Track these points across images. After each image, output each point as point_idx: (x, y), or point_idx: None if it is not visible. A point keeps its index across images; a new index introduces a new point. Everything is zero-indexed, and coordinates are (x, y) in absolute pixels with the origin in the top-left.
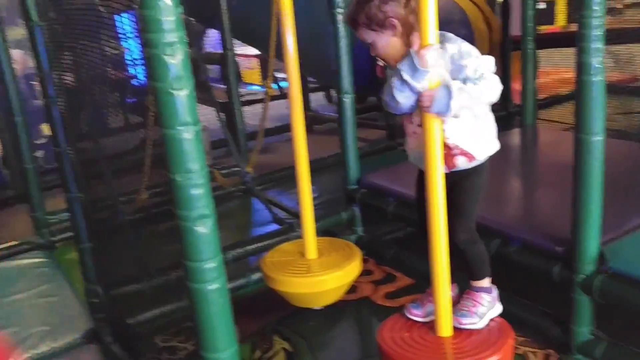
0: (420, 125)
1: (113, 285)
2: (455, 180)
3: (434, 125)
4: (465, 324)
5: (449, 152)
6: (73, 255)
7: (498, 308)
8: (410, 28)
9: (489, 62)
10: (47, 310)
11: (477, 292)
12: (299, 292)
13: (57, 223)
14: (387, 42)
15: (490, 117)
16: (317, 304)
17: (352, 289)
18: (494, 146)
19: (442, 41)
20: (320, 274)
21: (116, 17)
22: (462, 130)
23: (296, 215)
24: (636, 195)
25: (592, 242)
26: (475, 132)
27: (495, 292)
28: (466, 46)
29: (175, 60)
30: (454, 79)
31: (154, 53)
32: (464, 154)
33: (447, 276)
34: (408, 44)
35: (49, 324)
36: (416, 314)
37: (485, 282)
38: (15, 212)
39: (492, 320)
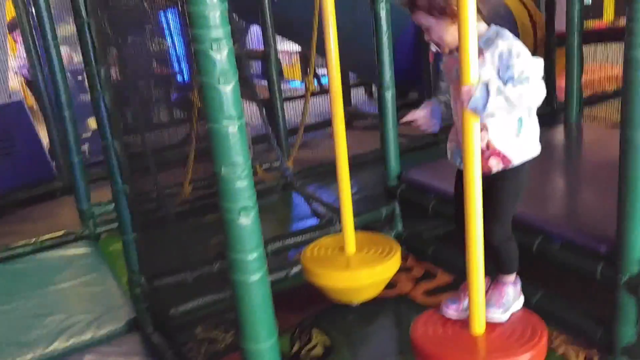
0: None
1: (156, 276)
2: (492, 181)
3: (472, 122)
4: (490, 316)
5: (483, 155)
6: (117, 246)
7: (521, 300)
8: None
9: (537, 65)
10: (91, 299)
11: (504, 285)
12: (338, 287)
13: (102, 214)
14: (445, 29)
15: (533, 121)
16: (356, 299)
17: (391, 285)
18: (533, 151)
19: (495, 37)
20: (359, 268)
21: (161, 13)
22: (500, 132)
23: (336, 210)
24: None
25: (638, 241)
26: (513, 135)
27: (519, 284)
28: (518, 46)
29: (221, 55)
30: (500, 76)
31: (200, 49)
32: (499, 155)
33: (482, 275)
34: None
35: (92, 313)
36: (453, 309)
37: (513, 277)
38: (62, 203)
39: (525, 314)
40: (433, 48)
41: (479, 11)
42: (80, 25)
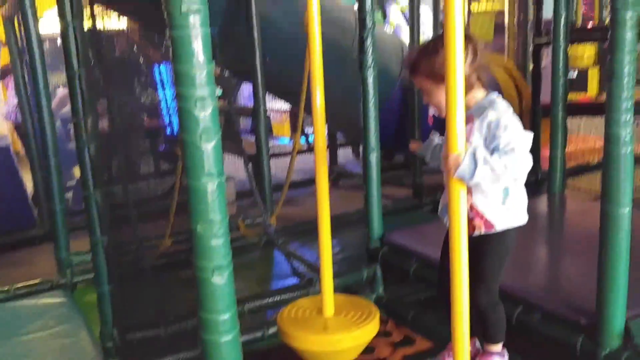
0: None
1: (129, 329)
2: (478, 245)
3: (458, 189)
4: None
5: (467, 215)
6: (93, 297)
7: None
8: (470, 86)
9: (525, 139)
10: (62, 351)
11: (490, 355)
12: (314, 350)
13: (80, 264)
14: (444, 95)
15: (520, 191)
16: None
17: (370, 350)
18: (519, 219)
19: (487, 106)
20: (337, 332)
21: (155, 66)
22: (485, 199)
23: (317, 269)
24: None
25: (617, 316)
26: (498, 203)
27: (506, 356)
28: (507, 118)
29: (205, 113)
30: (486, 145)
31: (184, 107)
32: (482, 219)
33: (467, 340)
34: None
35: None
36: None
37: (499, 347)
38: (41, 251)
39: None
40: (431, 111)
41: (479, 78)
42: (71, 76)
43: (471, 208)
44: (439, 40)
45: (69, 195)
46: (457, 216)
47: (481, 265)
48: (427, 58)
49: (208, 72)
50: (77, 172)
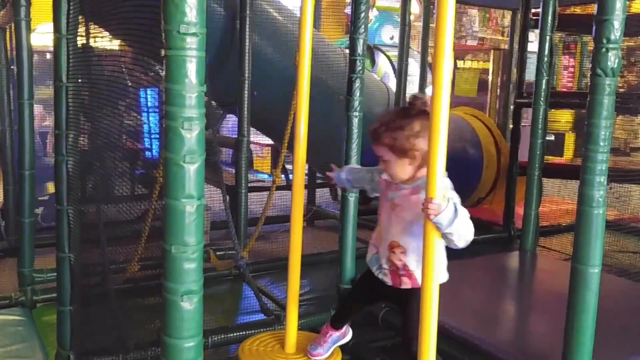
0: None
1: (86, 354)
2: (406, 296)
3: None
4: None
5: (397, 271)
6: (52, 318)
7: None
8: (425, 162)
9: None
10: None
11: None
12: None
13: (43, 282)
14: (402, 167)
15: (444, 254)
16: None
17: None
18: (442, 278)
19: None
20: None
21: (141, 91)
22: (414, 256)
23: (285, 307)
24: (632, 335)
25: None
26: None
27: None
28: (453, 193)
29: (191, 135)
30: None
31: (171, 125)
32: (409, 276)
33: None
34: (417, 172)
35: None
36: (317, 354)
37: None
38: (4, 264)
39: None
40: (384, 176)
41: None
42: (58, 88)
43: (404, 267)
44: (404, 114)
45: (39, 210)
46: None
47: (410, 317)
48: (391, 132)
49: (199, 95)
50: (50, 187)
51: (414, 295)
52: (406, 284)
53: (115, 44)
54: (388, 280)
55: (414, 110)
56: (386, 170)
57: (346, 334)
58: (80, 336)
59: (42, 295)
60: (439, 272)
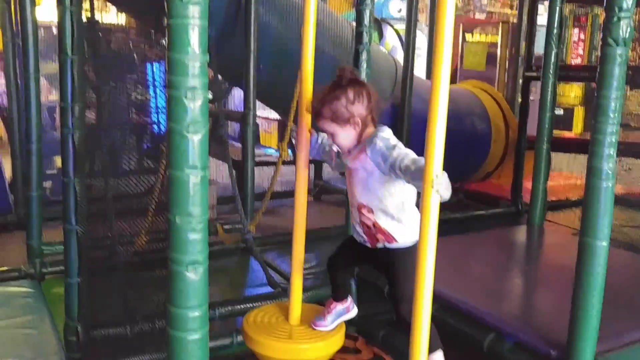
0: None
1: (94, 326)
2: (389, 258)
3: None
4: None
5: (370, 231)
6: (60, 290)
7: None
8: (365, 124)
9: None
10: (23, 343)
11: None
12: (275, 357)
13: (51, 254)
14: (347, 135)
15: (413, 208)
16: None
17: None
18: (416, 235)
19: (375, 135)
20: (300, 342)
21: (148, 65)
22: (386, 214)
23: None
24: (637, 308)
25: (587, 350)
26: (396, 219)
27: None
28: (394, 140)
29: (195, 104)
30: (383, 167)
31: (175, 95)
32: (382, 232)
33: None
34: (361, 137)
35: (21, 357)
36: (320, 325)
37: (439, 355)
38: (14, 237)
39: None
40: (335, 148)
41: (372, 118)
42: (63, 61)
43: (374, 225)
44: (336, 86)
45: (48, 184)
46: (426, 227)
47: (394, 277)
48: (329, 104)
49: (202, 64)
50: (58, 161)
51: (395, 257)
52: (381, 240)
53: (121, 18)
54: (368, 243)
55: (344, 81)
56: (335, 142)
57: (350, 309)
58: (88, 308)
59: (51, 268)
60: (400, 231)
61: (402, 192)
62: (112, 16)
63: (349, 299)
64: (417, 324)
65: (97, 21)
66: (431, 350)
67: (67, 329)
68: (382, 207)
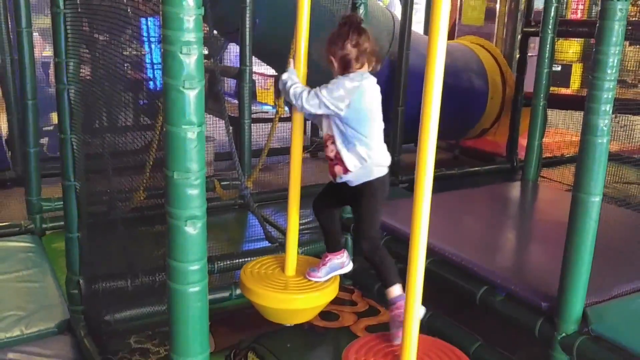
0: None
1: (95, 279)
2: (354, 193)
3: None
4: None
5: (333, 162)
6: (61, 245)
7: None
8: (345, 66)
9: (335, 91)
10: (26, 295)
11: (393, 303)
12: (272, 307)
13: (51, 210)
14: (333, 70)
15: (374, 146)
16: (289, 322)
17: (334, 317)
18: (375, 172)
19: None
20: (295, 292)
21: (143, 20)
22: (344, 144)
23: None
24: (627, 262)
25: (577, 302)
26: (355, 150)
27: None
28: (344, 79)
29: (190, 59)
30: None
31: (170, 50)
32: (341, 162)
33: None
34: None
35: (24, 309)
36: (314, 276)
37: (397, 289)
38: (13, 194)
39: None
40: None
41: (357, 60)
42: (56, 14)
43: (335, 156)
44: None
45: (45, 141)
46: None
47: (358, 212)
48: (323, 46)
49: (196, 19)
50: (54, 117)
51: (358, 194)
52: (339, 173)
53: None
54: (334, 178)
55: (341, 25)
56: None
57: (345, 265)
58: (89, 262)
59: (51, 223)
60: (354, 163)
61: (359, 124)
62: None
63: (345, 253)
64: (412, 279)
65: None
66: (389, 284)
67: (69, 282)
68: (342, 137)
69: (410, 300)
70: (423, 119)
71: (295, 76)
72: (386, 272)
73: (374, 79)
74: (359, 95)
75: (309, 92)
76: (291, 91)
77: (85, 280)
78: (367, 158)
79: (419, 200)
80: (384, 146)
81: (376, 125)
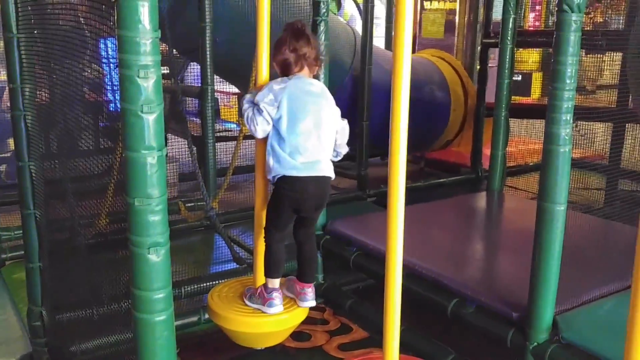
0: None
1: (59, 309)
2: None
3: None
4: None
5: None
6: (22, 275)
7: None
8: (284, 70)
9: (266, 96)
10: None
11: (265, 288)
12: (241, 331)
13: (10, 240)
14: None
15: (279, 154)
16: (260, 345)
17: (306, 337)
18: (274, 172)
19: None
20: (265, 315)
21: (102, 40)
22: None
23: None
24: (593, 268)
25: (546, 311)
26: (269, 156)
27: (275, 297)
28: (269, 85)
29: (148, 83)
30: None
31: (127, 74)
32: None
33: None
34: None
35: None
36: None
37: (274, 283)
38: None
39: None
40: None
41: (290, 67)
42: (9, 39)
43: None
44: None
45: (3, 167)
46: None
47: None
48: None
49: (154, 41)
50: (12, 143)
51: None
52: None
53: None
54: None
55: (283, 31)
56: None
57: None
58: (52, 292)
59: (11, 253)
60: (269, 169)
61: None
62: None
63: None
64: (390, 296)
65: None
66: (268, 274)
67: (31, 314)
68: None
69: (390, 318)
70: (392, 134)
71: (253, 98)
72: (270, 265)
73: (308, 81)
74: (287, 95)
75: (250, 109)
76: (246, 118)
77: (48, 311)
78: (271, 167)
79: (393, 217)
80: (302, 155)
81: (298, 129)
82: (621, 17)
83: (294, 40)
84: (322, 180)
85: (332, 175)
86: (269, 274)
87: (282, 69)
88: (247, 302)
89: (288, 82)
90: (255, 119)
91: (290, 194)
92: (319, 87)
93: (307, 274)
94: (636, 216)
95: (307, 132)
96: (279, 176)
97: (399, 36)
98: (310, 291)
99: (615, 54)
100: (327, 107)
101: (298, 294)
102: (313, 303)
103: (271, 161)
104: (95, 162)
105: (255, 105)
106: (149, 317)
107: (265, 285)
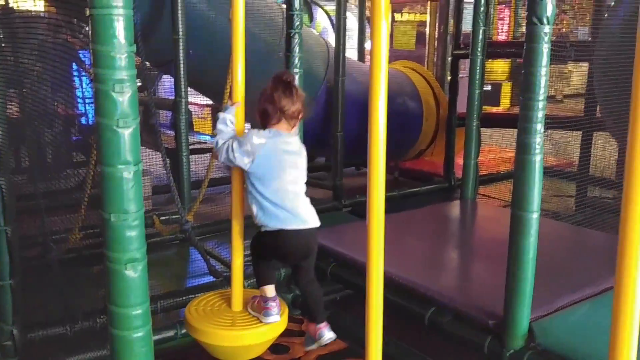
0: None
1: (31, 327)
2: None
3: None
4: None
5: None
6: None
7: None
8: (265, 120)
9: (244, 145)
10: None
11: (262, 297)
12: (219, 345)
13: None
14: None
15: (267, 205)
16: (238, 359)
17: (284, 349)
18: (266, 227)
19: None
20: (243, 328)
21: (79, 52)
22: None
23: None
24: (567, 274)
25: (522, 317)
26: (248, 200)
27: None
28: (250, 134)
29: (124, 97)
30: None
31: (102, 89)
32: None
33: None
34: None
35: None
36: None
37: (268, 291)
38: None
39: None
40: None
41: (271, 117)
42: None
43: None
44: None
45: None
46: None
47: None
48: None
49: (129, 56)
50: None
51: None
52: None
53: (39, 5)
54: None
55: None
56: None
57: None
58: (24, 310)
59: None
60: (257, 219)
61: (257, 180)
62: (29, 4)
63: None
64: (372, 308)
65: (13, 8)
66: (262, 284)
67: (1, 334)
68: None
69: (372, 330)
70: (371, 144)
71: (227, 121)
72: (258, 278)
73: (286, 139)
74: (264, 152)
75: (224, 143)
76: (216, 144)
77: (20, 330)
78: (255, 214)
79: (374, 228)
80: (283, 210)
81: (275, 185)
82: (586, 28)
83: (275, 92)
84: (306, 232)
85: (317, 223)
86: (259, 284)
87: (261, 119)
88: (249, 311)
89: (267, 140)
90: (234, 153)
91: (270, 249)
92: (297, 146)
93: (320, 315)
94: (607, 222)
95: (283, 189)
96: (264, 229)
97: (376, 52)
98: (326, 327)
99: (579, 63)
100: (302, 163)
101: (316, 334)
102: (333, 336)
103: (256, 212)
104: (68, 176)
105: (234, 139)
106: (127, 334)
107: (262, 296)
